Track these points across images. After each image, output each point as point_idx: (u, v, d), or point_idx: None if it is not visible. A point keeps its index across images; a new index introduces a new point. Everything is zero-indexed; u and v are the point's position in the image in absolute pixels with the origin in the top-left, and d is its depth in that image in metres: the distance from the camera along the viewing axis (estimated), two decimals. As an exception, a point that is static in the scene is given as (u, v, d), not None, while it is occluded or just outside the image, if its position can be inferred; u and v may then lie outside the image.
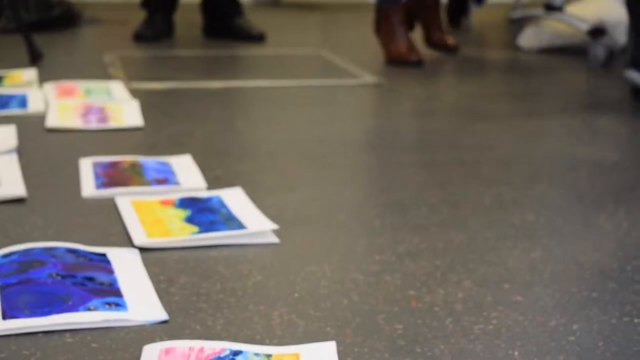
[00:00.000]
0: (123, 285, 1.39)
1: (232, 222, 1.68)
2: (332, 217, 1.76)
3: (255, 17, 4.56)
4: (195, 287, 1.41)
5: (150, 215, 1.72)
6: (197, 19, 4.45)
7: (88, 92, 2.88)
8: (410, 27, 3.87)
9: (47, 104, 2.69)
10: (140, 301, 1.34)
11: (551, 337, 1.26)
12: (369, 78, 3.30)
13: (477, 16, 5.02)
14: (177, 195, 1.83)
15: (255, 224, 1.68)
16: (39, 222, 1.69)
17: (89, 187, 1.90)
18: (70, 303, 1.31)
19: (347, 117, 2.70)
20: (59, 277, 1.38)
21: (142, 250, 1.55)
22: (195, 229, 1.65)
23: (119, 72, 3.33)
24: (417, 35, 3.95)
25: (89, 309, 1.29)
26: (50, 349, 1.21)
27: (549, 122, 2.66)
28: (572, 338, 1.25)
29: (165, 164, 2.07)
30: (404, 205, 1.86)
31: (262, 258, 1.54)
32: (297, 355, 1.20)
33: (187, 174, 2.01)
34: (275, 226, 1.66)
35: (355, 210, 1.81)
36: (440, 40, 3.86)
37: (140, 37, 4.12)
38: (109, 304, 1.32)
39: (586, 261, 1.54)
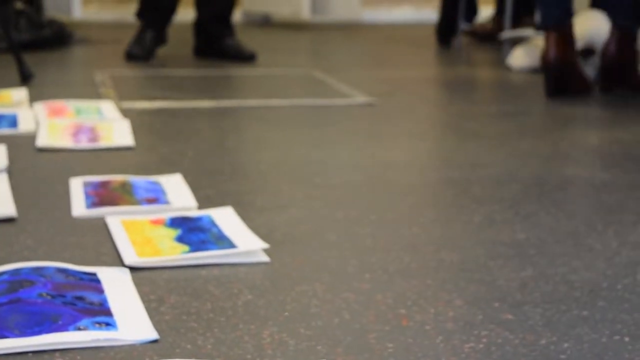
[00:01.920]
0: (113, 304, 1.39)
1: (222, 241, 1.68)
2: (323, 237, 1.76)
3: (246, 37, 4.57)
4: (186, 307, 1.41)
5: (141, 234, 1.71)
6: (188, 38, 4.46)
7: (78, 111, 2.88)
8: None
9: (37, 124, 2.69)
10: (131, 320, 1.34)
11: (542, 356, 1.25)
12: (361, 98, 3.30)
13: (467, 35, 5.04)
14: (167, 215, 1.83)
15: (245, 243, 1.68)
16: (29, 242, 1.69)
17: (79, 206, 1.90)
18: (60, 323, 1.30)
19: (338, 137, 2.70)
20: (49, 297, 1.38)
21: (133, 269, 1.55)
22: (185, 248, 1.64)
23: (110, 91, 3.33)
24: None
25: (79, 329, 1.29)
26: (39, 369, 1.21)
27: (539, 141, 2.67)
28: (562, 357, 1.25)
29: (156, 184, 2.07)
30: (394, 224, 1.86)
31: (252, 277, 1.54)
32: (287, 375, 1.19)
33: (178, 193, 2.01)
34: (265, 245, 1.66)
35: (346, 230, 1.81)
36: None
37: (131, 56, 4.13)
38: (99, 323, 1.31)
39: (576, 280, 1.54)
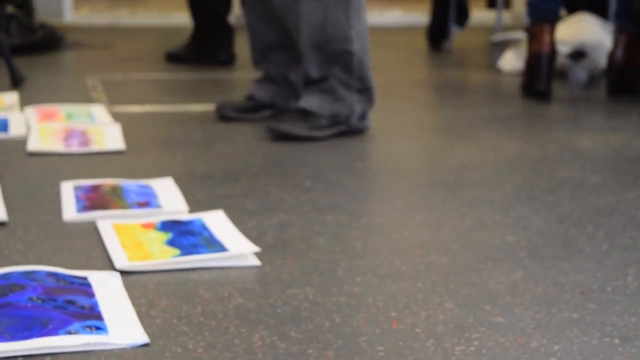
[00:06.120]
0: (104, 308, 1.39)
1: (213, 245, 1.68)
2: (313, 240, 1.76)
3: (237, 41, 4.57)
4: (176, 310, 1.41)
5: (132, 238, 1.71)
6: (178, 43, 4.46)
7: (70, 115, 2.88)
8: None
9: (28, 128, 2.69)
10: (121, 324, 1.34)
11: (532, 358, 1.26)
12: (351, 101, 3.30)
13: (458, 39, 5.04)
14: (158, 219, 1.83)
15: (236, 246, 1.68)
16: (20, 246, 1.69)
17: (70, 210, 1.90)
18: (50, 327, 1.30)
19: (327, 140, 2.70)
20: (39, 301, 1.38)
21: (123, 273, 1.55)
22: (176, 252, 1.64)
23: (101, 95, 3.33)
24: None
25: (69, 333, 1.29)
26: (30, 373, 1.21)
27: (529, 143, 2.68)
28: (553, 359, 1.26)
29: (147, 187, 2.06)
30: (385, 228, 1.86)
31: (243, 281, 1.54)
32: (278, 378, 1.19)
33: (169, 197, 2.01)
34: (256, 249, 1.66)
35: (336, 233, 1.81)
36: None
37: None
38: (89, 327, 1.31)
39: (567, 282, 1.55)
